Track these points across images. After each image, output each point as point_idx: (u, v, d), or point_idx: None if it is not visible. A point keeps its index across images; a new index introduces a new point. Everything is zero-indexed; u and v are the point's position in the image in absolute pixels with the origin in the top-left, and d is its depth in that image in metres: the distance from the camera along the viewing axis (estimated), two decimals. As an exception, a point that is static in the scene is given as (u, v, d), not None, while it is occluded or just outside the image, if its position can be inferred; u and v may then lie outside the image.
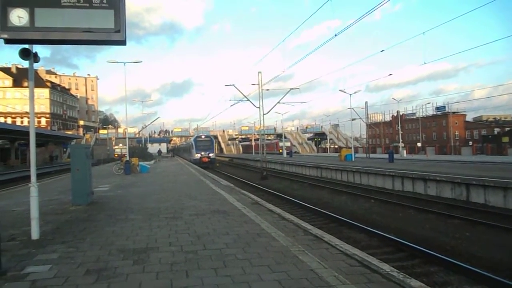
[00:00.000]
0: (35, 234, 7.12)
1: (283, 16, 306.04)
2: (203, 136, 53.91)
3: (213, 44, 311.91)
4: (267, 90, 47.22)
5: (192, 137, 59.30)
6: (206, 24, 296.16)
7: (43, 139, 50.44)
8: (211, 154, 48.56)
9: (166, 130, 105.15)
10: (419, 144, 72.33)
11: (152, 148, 70.87)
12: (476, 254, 8.69)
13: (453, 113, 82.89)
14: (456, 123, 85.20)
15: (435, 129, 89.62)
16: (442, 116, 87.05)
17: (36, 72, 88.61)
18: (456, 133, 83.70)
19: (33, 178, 7.12)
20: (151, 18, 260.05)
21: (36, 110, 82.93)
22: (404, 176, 20.23)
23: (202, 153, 47.67)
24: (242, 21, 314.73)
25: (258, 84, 33.14)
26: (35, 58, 6.96)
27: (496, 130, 79.04)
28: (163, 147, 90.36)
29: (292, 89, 41.16)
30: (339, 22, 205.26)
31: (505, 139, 63.24)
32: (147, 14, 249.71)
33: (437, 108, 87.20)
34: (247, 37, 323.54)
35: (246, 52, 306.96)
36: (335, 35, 18.33)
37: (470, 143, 70.59)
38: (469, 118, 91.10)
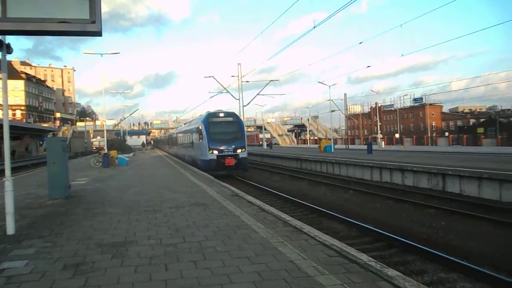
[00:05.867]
0: (10, 229, 7.00)
1: (271, 7, 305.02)
2: (221, 114, 24.94)
3: (199, 36, 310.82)
4: (247, 82, 46.84)
5: (200, 117, 27.92)
6: (193, 16, 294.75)
7: (18, 132, 49.23)
8: (239, 150, 23.34)
9: (145, 122, 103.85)
10: (397, 135, 73.52)
11: (131, 141, 70.09)
12: (451, 243, 8.91)
13: (430, 104, 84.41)
14: (433, 115, 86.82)
15: (413, 120, 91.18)
16: (419, 107, 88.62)
17: (10, 63, 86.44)
18: (433, 124, 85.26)
19: (8, 172, 6.99)
20: (138, 9, 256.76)
21: (11, 102, 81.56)
22: (382, 167, 20.51)
23: (222, 147, 23.02)
24: (229, 12, 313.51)
25: (238, 76, 33.03)
26: (8, 49, 6.78)
27: (472, 121, 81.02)
28: (142, 139, 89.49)
29: (272, 81, 40.53)
30: (326, 14, 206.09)
31: (480, 130, 64.83)
32: (134, 5, 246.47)
33: (415, 100, 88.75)
34: (233, 29, 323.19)
35: (231, 44, 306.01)
36: (314, 26, 18.51)
37: (447, 134, 72.05)
38: (446, 109, 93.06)
